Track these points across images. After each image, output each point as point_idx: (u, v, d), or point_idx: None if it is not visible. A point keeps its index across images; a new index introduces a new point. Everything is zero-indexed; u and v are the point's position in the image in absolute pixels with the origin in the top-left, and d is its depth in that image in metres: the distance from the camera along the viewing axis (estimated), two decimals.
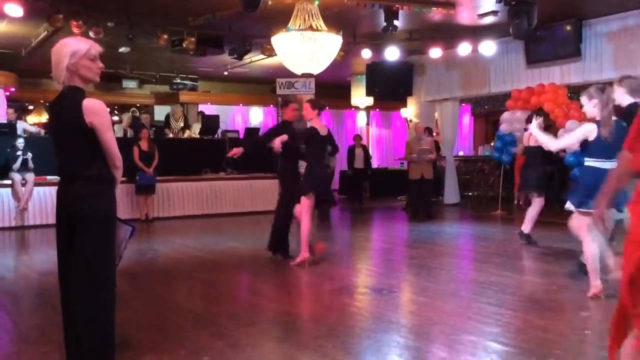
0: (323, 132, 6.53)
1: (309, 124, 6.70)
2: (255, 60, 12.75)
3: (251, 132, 14.18)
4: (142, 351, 3.63)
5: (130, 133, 12.81)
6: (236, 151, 6.86)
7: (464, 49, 11.70)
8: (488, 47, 11.46)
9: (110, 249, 3.05)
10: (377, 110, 19.10)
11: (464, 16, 10.21)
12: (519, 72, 11.72)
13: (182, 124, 14.28)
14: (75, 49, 2.94)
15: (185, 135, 13.96)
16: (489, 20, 10.29)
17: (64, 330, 3.02)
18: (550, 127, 12.93)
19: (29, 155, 10.17)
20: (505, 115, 11.30)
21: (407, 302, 5.18)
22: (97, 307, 2.97)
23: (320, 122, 6.60)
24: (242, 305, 4.99)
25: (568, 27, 10.54)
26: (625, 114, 4.64)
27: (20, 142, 10.22)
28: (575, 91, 11.80)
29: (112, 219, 3.07)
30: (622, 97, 4.77)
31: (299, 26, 8.15)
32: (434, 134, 13.15)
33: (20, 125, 11.47)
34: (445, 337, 3.94)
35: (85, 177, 2.96)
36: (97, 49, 3.03)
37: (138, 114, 14.58)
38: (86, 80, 3.00)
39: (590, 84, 10.10)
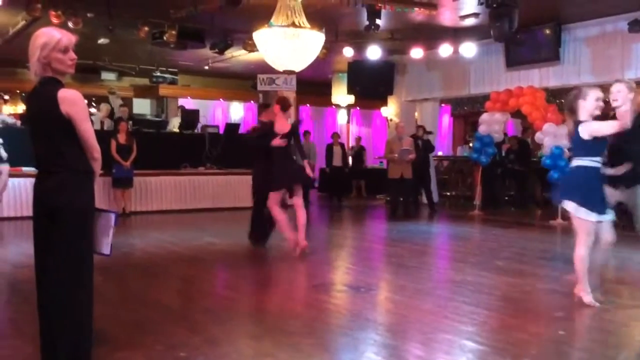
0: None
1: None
2: (237, 55, 12.68)
3: (231, 127, 14.10)
4: (118, 346, 3.59)
5: (107, 125, 12.63)
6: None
7: (445, 50, 11.76)
8: (468, 49, 11.55)
9: (87, 244, 2.98)
10: (358, 108, 19.12)
11: (446, 17, 10.28)
12: (498, 74, 11.82)
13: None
14: (46, 41, 2.85)
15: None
16: (470, 22, 10.36)
17: (40, 324, 2.96)
18: (528, 130, 13.13)
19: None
20: (484, 117, 11.41)
21: (385, 300, 5.21)
22: (73, 304, 2.91)
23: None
24: (219, 301, 4.97)
25: (548, 31, 10.67)
26: None
27: None
28: (553, 94, 11.94)
29: (90, 212, 3.00)
30: None
31: (282, 22, 8.12)
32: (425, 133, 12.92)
33: None
34: (422, 335, 3.97)
35: (63, 170, 2.89)
36: (69, 39, 2.91)
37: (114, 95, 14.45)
38: (59, 72, 2.91)
39: (569, 87, 10.34)
